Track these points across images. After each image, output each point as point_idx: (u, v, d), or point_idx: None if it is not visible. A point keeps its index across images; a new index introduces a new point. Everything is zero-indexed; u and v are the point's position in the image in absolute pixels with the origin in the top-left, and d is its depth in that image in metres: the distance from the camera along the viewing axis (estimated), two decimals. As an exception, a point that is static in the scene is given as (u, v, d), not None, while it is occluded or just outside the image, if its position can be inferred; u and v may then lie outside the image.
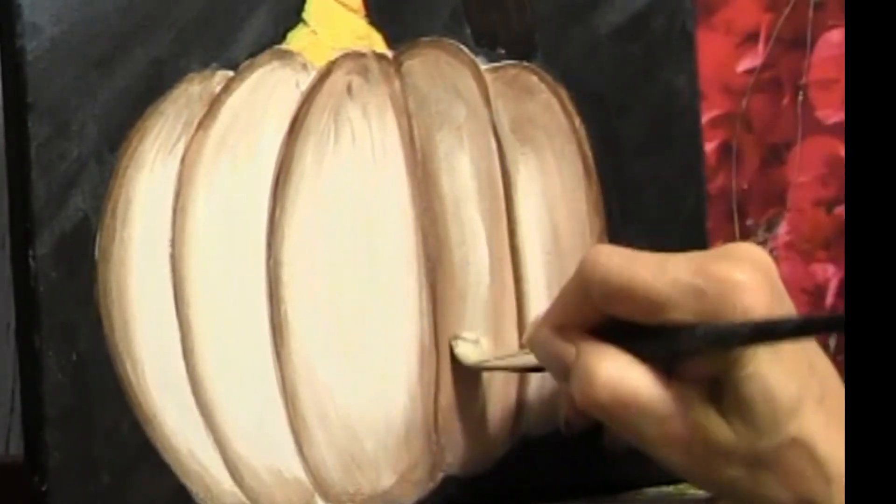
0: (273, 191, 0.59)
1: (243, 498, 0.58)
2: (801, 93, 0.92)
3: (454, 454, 0.61)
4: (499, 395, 0.62)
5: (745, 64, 0.91)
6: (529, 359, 0.59)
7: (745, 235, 0.84)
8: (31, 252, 0.55)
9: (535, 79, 0.63)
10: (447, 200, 0.61)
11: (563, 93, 0.63)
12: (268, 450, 0.58)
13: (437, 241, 0.61)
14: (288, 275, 0.58)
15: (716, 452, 0.53)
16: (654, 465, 0.62)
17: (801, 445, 0.53)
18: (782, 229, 0.85)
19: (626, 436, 0.55)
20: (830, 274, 0.85)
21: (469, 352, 0.61)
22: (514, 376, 0.62)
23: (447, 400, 0.61)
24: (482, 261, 0.62)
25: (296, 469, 0.59)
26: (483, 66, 0.62)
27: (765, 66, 0.91)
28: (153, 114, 0.57)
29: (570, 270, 0.56)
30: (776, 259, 0.61)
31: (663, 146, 0.66)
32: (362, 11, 0.61)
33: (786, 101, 0.92)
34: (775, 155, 0.90)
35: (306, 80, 0.60)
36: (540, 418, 0.62)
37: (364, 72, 0.60)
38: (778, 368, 0.53)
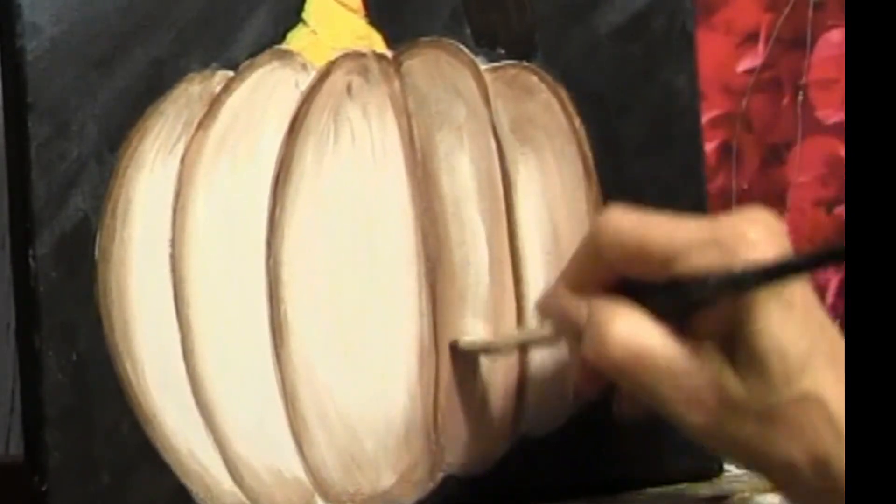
0: (273, 191, 0.59)
1: (243, 498, 0.58)
2: (801, 93, 0.92)
3: (454, 454, 0.61)
4: (499, 395, 0.62)
5: (745, 64, 0.91)
6: (534, 333, 0.59)
7: (746, 235, 0.84)
8: (31, 252, 0.55)
9: (534, 79, 0.63)
10: (447, 200, 0.61)
11: (563, 93, 0.63)
12: (268, 450, 0.58)
13: (437, 242, 0.61)
14: (288, 274, 0.58)
15: (729, 409, 0.53)
16: (654, 465, 0.62)
17: (812, 401, 0.53)
18: (782, 229, 0.85)
19: (640, 394, 0.55)
20: (830, 274, 0.85)
21: (475, 337, 0.61)
22: (515, 376, 0.62)
23: (447, 400, 0.61)
24: (482, 261, 0.62)
25: (296, 469, 0.59)
26: (483, 66, 0.62)
27: (765, 66, 0.91)
28: (153, 114, 0.57)
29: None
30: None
31: (663, 146, 0.66)
32: (362, 11, 0.61)
33: (786, 101, 0.92)
34: (775, 155, 0.90)
35: (306, 80, 0.60)
36: (540, 418, 0.62)
37: (364, 72, 0.60)
38: (790, 323, 0.53)
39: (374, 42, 0.61)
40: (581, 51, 0.64)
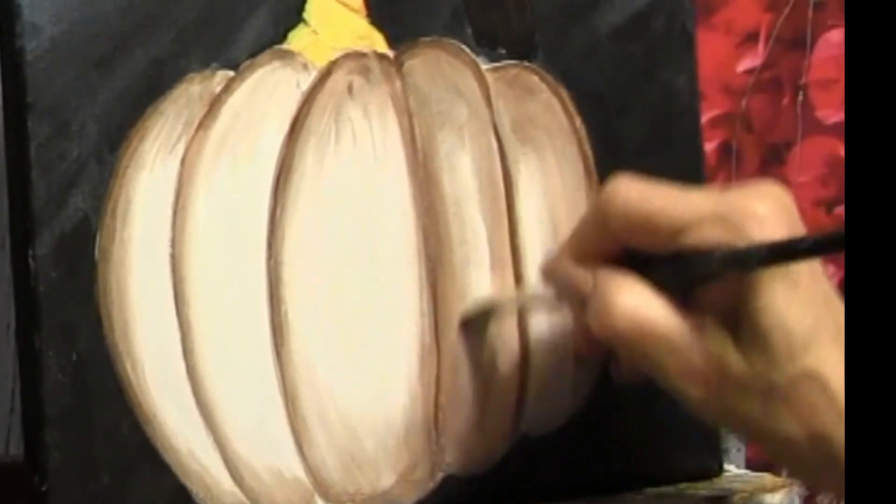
0: (273, 191, 0.59)
1: (243, 498, 0.58)
2: (801, 93, 0.92)
3: (454, 454, 0.61)
4: (499, 395, 0.62)
5: (745, 64, 0.91)
6: (536, 296, 0.60)
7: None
8: (31, 252, 0.55)
9: (535, 79, 0.63)
10: (448, 200, 0.61)
11: (564, 93, 0.63)
12: (268, 450, 0.58)
13: (438, 241, 0.61)
14: (288, 274, 0.58)
15: (730, 383, 0.53)
16: (654, 465, 0.62)
17: (814, 379, 0.53)
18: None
19: (642, 366, 0.55)
20: (830, 273, 0.85)
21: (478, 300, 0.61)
22: (515, 377, 0.62)
23: (447, 400, 0.61)
24: (483, 261, 0.61)
25: (296, 469, 0.59)
26: (484, 66, 0.62)
27: (765, 66, 0.91)
28: (153, 114, 0.57)
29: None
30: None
31: (663, 146, 0.66)
32: (363, 11, 0.61)
33: (786, 101, 0.92)
34: (775, 155, 0.90)
35: (307, 80, 0.60)
36: (540, 418, 0.62)
37: (365, 72, 0.60)
38: (795, 301, 0.53)
39: (375, 42, 0.61)
40: (581, 51, 0.64)
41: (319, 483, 0.59)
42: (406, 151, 0.60)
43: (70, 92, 0.56)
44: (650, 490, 0.64)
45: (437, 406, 0.61)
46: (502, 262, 0.62)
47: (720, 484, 0.65)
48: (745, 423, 0.54)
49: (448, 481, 0.61)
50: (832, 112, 0.92)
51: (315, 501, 0.59)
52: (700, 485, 0.64)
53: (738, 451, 0.91)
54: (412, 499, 0.60)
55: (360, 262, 0.59)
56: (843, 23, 0.90)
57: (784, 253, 0.53)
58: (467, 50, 0.62)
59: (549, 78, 0.63)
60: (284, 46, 0.59)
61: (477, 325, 0.61)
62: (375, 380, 0.60)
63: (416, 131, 0.61)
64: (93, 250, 0.56)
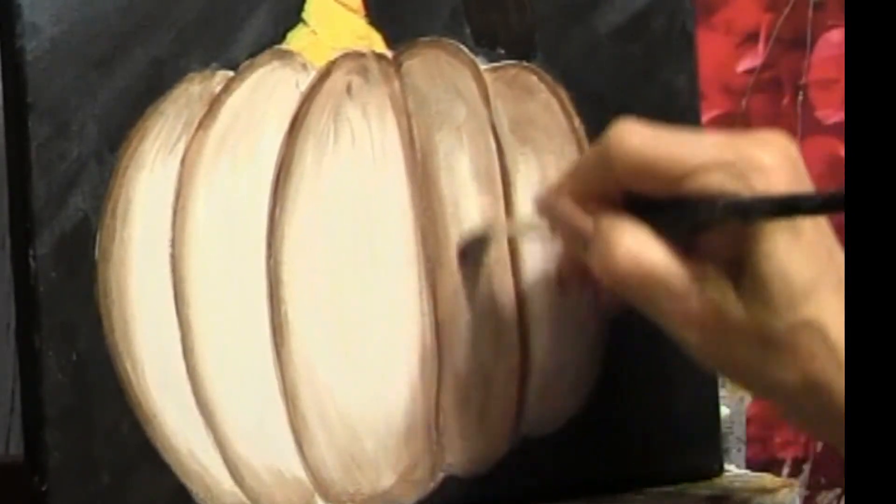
0: (273, 191, 0.59)
1: (243, 498, 0.58)
2: (801, 93, 0.92)
3: (454, 454, 0.61)
4: (499, 395, 0.62)
5: (745, 64, 0.91)
6: (528, 226, 0.60)
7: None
8: (31, 252, 0.56)
9: (534, 79, 0.63)
10: (447, 200, 0.61)
11: (563, 93, 0.63)
12: (268, 450, 0.58)
13: (436, 241, 0.61)
14: (288, 274, 0.58)
15: (729, 330, 0.53)
16: (654, 464, 0.62)
17: (814, 328, 0.53)
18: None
19: (642, 309, 0.55)
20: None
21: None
22: (515, 377, 0.62)
23: (447, 400, 0.61)
24: (482, 261, 0.62)
25: (296, 469, 0.59)
26: (483, 66, 0.62)
27: (765, 66, 0.91)
28: (153, 114, 0.57)
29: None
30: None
31: (663, 146, 0.65)
32: (362, 11, 0.61)
33: (786, 101, 0.92)
34: (775, 155, 0.90)
35: (306, 80, 0.60)
36: (540, 418, 0.62)
37: (364, 72, 0.60)
38: (796, 251, 0.53)
39: (374, 42, 0.61)
40: (581, 51, 0.64)
41: (319, 483, 0.59)
42: (405, 151, 0.61)
43: (70, 92, 0.56)
44: (650, 490, 0.64)
45: (437, 406, 0.61)
46: (501, 262, 0.62)
47: (720, 484, 0.65)
48: (743, 370, 0.54)
49: (448, 481, 0.61)
50: (832, 112, 0.92)
51: (315, 501, 0.59)
52: (700, 485, 0.64)
53: (738, 451, 0.91)
54: (412, 499, 0.60)
55: (359, 262, 0.59)
56: (843, 23, 0.90)
57: (787, 208, 0.53)
58: (466, 50, 0.62)
59: (549, 78, 0.63)
60: (284, 46, 0.59)
61: (474, 253, 0.61)
62: (375, 380, 0.60)
63: (415, 131, 0.61)
64: (93, 250, 0.56)
